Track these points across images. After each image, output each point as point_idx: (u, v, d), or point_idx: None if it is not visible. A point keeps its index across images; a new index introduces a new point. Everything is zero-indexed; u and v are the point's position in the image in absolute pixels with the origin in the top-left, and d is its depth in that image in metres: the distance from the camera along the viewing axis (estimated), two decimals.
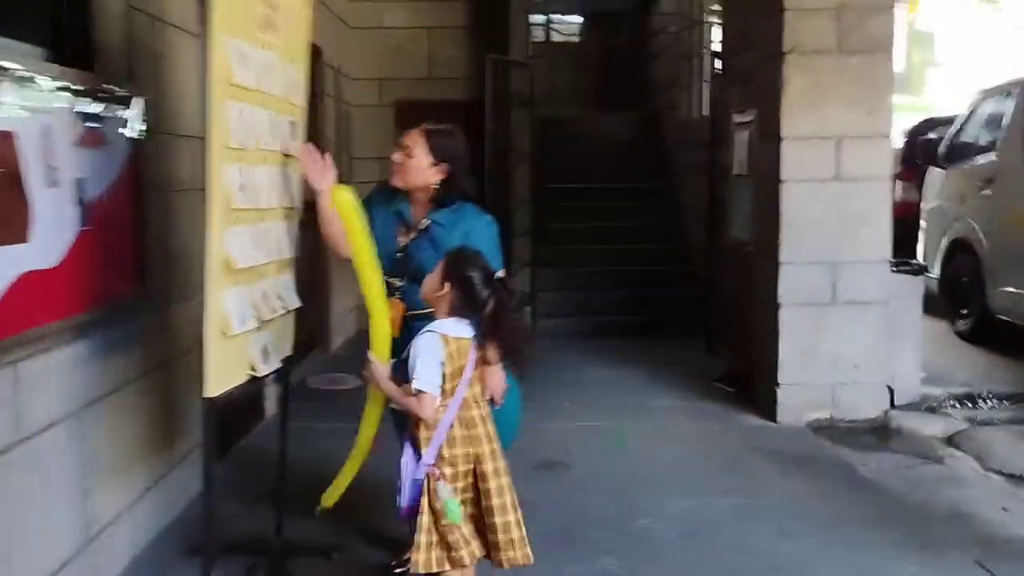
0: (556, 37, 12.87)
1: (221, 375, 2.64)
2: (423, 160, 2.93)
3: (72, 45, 3.14)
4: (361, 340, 3.33)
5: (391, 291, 2.97)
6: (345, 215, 2.80)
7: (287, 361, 3.26)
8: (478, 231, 2.96)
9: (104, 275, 3.06)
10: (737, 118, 6.28)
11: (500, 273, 2.95)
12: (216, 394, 2.61)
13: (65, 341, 2.83)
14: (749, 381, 5.78)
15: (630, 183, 9.19)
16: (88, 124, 2.93)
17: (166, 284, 3.58)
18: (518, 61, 7.89)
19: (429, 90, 8.24)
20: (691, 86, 9.29)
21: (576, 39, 12.88)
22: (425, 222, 2.98)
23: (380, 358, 2.75)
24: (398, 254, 2.98)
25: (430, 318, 2.71)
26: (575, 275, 8.37)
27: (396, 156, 2.96)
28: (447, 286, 2.63)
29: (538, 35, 12.15)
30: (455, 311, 2.65)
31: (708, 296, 7.18)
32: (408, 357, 2.66)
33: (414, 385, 2.56)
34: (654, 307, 7.98)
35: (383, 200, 3.05)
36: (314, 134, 7.00)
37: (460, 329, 2.66)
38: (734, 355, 6.39)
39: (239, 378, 2.79)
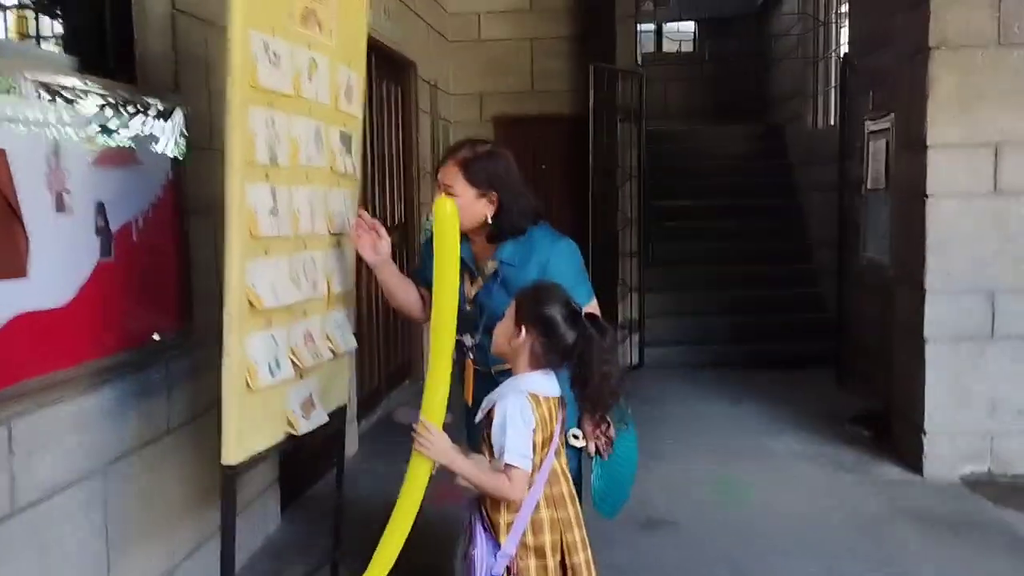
0: (667, 46, 12.24)
1: (245, 437, 2.20)
2: (468, 195, 2.42)
3: (108, 53, 2.82)
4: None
5: (462, 352, 2.50)
6: (442, 231, 2.25)
7: (338, 414, 2.81)
8: (556, 260, 2.44)
9: (134, 312, 2.68)
10: (871, 126, 5.57)
11: (592, 305, 2.45)
12: (237, 461, 2.17)
13: (81, 390, 2.45)
14: (888, 424, 5.05)
15: (749, 200, 8.49)
16: (114, 140, 2.56)
17: (215, 318, 3.18)
18: (625, 69, 7.34)
19: (531, 104, 7.82)
20: (817, 94, 8.54)
21: (689, 48, 12.21)
22: (492, 265, 2.48)
23: (435, 423, 2.24)
24: (467, 307, 2.48)
25: (508, 373, 2.24)
26: (687, 300, 7.73)
27: (439, 199, 2.45)
28: (523, 331, 2.13)
29: (648, 45, 11.57)
30: (538, 361, 2.15)
31: (839, 325, 6.45)
32: (481, 422, 2.17)
33: (506, 459, 2.06)
34: (776, 336, 7.27)
35: None
36: (408, 152, 6.70)
37: (549, 385, 2.17)
38: (870, 393, 5.65)
39: (271, 438, 2.34)
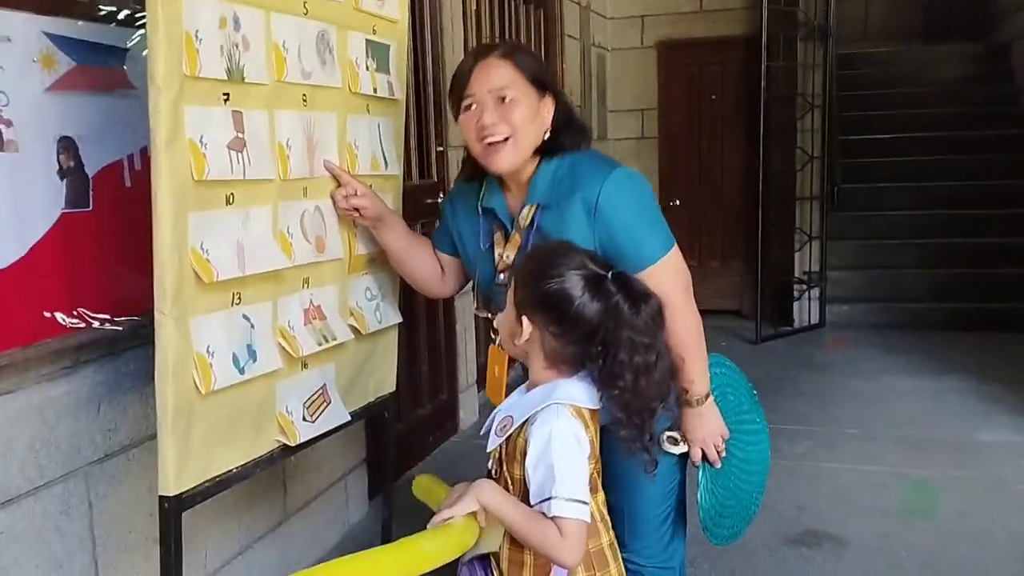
0: None
1: (196, 456, 1.62)
2: (530, 99, 1.70)
3: None
4: None
5: (495, 333, 1.84)
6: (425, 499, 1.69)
7: (383, 403, 2.20)
8: (609, 199, 1.66)
9: (121, 275, 2.16)
10: None
11: (667, 261, 1.69)
12: (180, 491, 1.59)
13: (47, 375, 1.96)
14: None
15: (964, 133, 7.17)
16: (88, 58, 2.02)
17: None
18: None
19: (700, 26, 6.87)
20: None
21: None
22: (527, 213, 1.75)
23: None
24: (501, 276, 1.79)
25: None
26: (879, 250, 6.60)
27: (488, 117, 1.68)
28: (525, 323, 1.44)
29: None
30: (556, 362, 1.46)
31: None
32: (502, 454, 1.51)
33: (555, 508, 1.37)
34: (992, 293, 6.06)
35: (464, 199, 1.90)
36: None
37: (590, 395, 1.47)
38: None
39: (246, 453, 1.76)
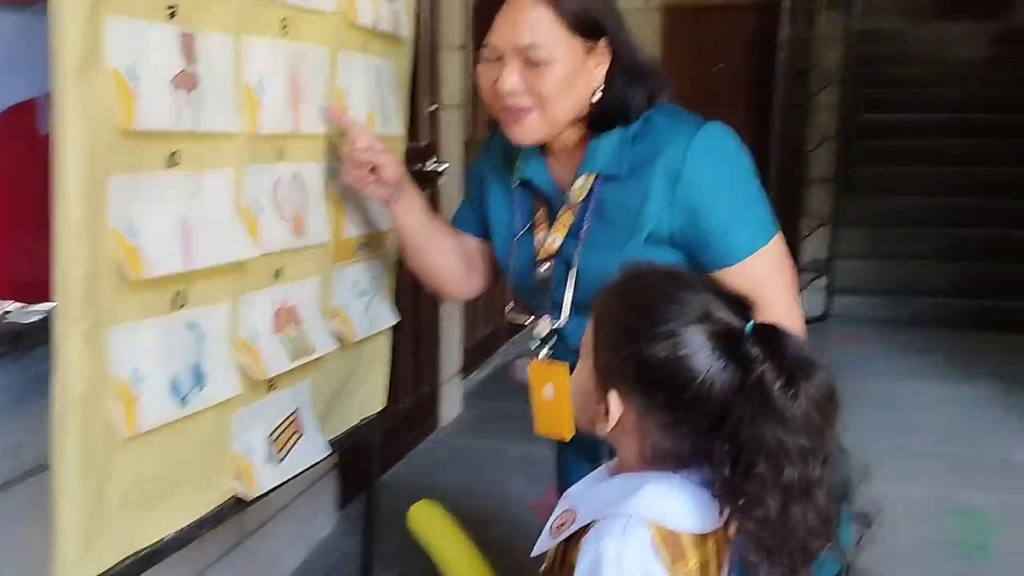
0: None
1: (116, 526, 1.14)
2: (574, 54, 1.25)
3: None
4: None
5: (541, 341, 1.38)
6: (424, 536, 1.28)
7: (368, 425, 1.73)
8: (698, 165, 1.25)
9: (33, 250, 1.65)
10: None
11: (769, 252, 1.27)
12: None
13: None
14: None
15: (983, 116, 6.74)
16: None
17: None
18: None
19: None
20: None
21: None
22: (583, 184, 1.31)
23: None
24: (541, 267, 1.35)
25: None
26: (894, 238, 6.18)
27: (508, 82, 1.25)
28: (610, 400, 0.94)
29: None
30: (667, 459, 0.95)
31: None
32: (556, 563, 1.02)
33: None
34: (1019, 290, 5.67)
35: (494, 166, 1.46)
36: None
37: (690, 509, 0.93)
38: None
39: (188, 512, 1.27)
